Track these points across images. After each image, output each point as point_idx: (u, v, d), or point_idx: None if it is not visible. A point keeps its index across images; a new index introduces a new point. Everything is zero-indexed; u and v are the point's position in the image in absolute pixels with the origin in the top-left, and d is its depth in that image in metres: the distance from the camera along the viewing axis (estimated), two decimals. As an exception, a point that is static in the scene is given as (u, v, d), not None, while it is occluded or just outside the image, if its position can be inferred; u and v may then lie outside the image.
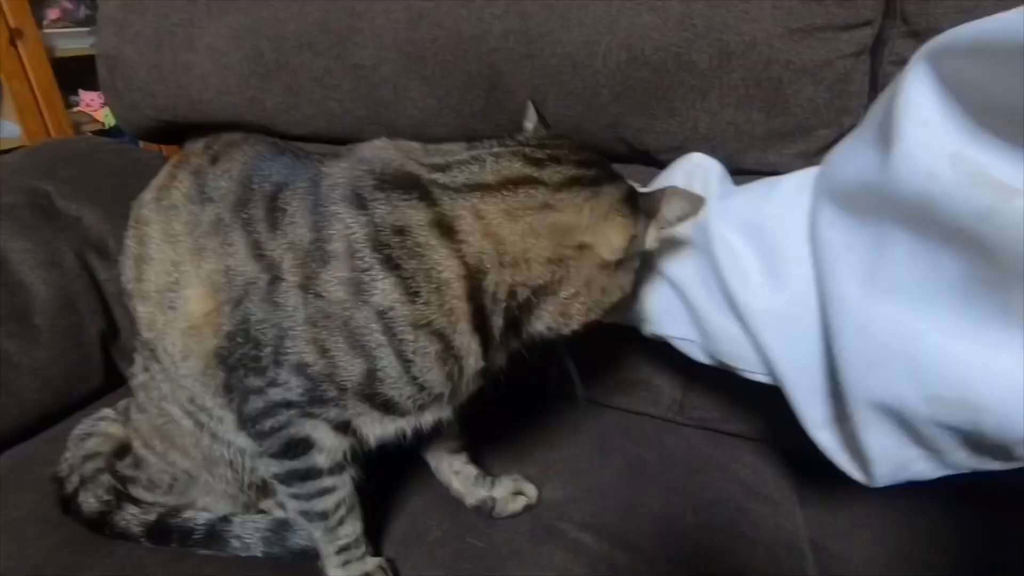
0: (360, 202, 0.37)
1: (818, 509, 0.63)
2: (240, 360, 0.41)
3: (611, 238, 0.41)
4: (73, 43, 1.75)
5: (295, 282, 0.38)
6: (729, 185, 0.56)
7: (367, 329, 0.37)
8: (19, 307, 0.67)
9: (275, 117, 0.78)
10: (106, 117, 1.83)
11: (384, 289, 0.36)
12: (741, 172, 0.68)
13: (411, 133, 0.74)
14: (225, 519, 0.52)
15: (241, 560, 0.51)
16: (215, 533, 0.51)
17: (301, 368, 0.39)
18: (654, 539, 0.56)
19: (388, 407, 0.41)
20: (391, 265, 0.36)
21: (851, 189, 0.43)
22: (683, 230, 0.51)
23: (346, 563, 0.49)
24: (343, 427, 0.42)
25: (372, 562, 0.50)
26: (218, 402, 0.45)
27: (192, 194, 0.43)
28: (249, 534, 0.51)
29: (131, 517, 0.52)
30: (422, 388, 0.40)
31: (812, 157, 0.66)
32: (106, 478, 0.54)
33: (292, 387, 0.40)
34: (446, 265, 0.37)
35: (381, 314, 0.37)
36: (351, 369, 0.39)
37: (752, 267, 0.49)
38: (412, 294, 0.36)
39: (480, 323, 0.39)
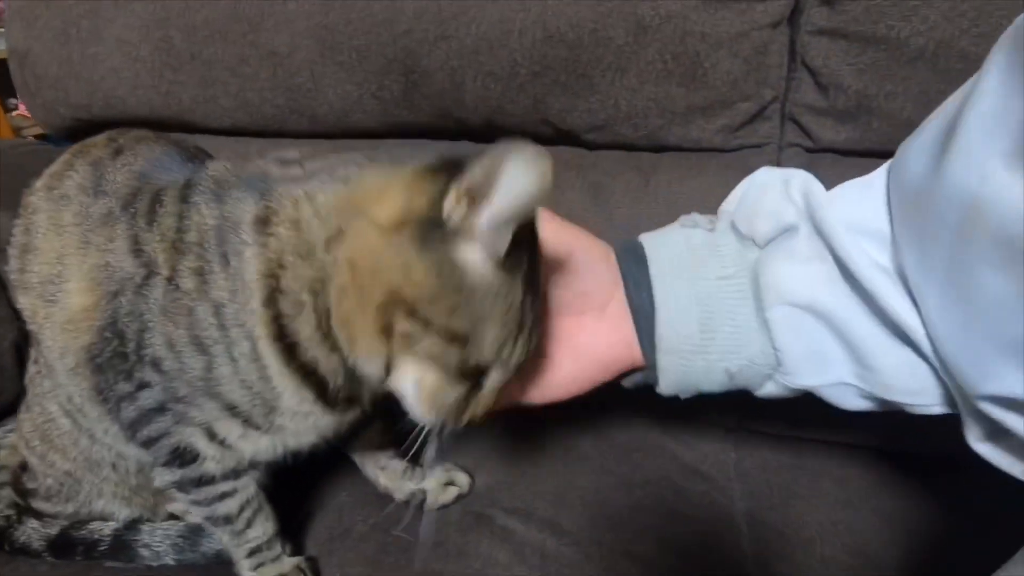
0: (219, 196, 0.36)
1: (755, 483, 0.63)
2: (109, 361, 0.39)
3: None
4: (4, 44, 1.68)
5: (164, 275, 0.37)
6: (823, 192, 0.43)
7: (206, 323, 0.36)
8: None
9: (193, 110, 0.75)
10: (45, 122, 1.76)
11: (219, 284, 0.35)
12: (665, 149, 0.68)
13: (332, 122, 0.73)
14: (133, 528, 0.50)
15: (153, 570, 0.49)
16: (122, 543, 0.49)
17: (156, 364, 0.38)
18: (585, 522, 0.55)
19: (238, 413, 0.40)
20: (224, 261, 0.35)
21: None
22: (804, 248, 0.40)
23: (259, 565, 0.47)
24: (211, 435, 0.41)
25: (288, 562, 0.48)
26: (96, 409, 0.43)
27: (87, 185, 0.41)
28: (159, 542, 0.49)
29: (32, 531, 0.50)
30: (250, 391, 0.38)
31: (735, 131, 0.66)
32: (7, 492, 0.51)
33: (155, 384, 0.39)
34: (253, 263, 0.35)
35: (217, 308, 0.36)
36: (194, 365, 0.37)
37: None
38: (233, 292, 0.35)
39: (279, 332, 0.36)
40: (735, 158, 0.66)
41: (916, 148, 0.36)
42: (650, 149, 0.68)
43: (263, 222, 0.34)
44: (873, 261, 0.38)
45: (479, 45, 0.63)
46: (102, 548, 0.49)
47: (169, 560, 0.49)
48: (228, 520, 0.45)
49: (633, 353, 0.42)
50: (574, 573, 0.50)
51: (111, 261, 0.38)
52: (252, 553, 0.47)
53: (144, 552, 0.49)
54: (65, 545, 0.49)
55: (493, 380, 0.37)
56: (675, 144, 0.67)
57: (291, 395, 0.38)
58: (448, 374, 0.34)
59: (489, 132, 0.70)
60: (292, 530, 0.51)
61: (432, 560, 0.50)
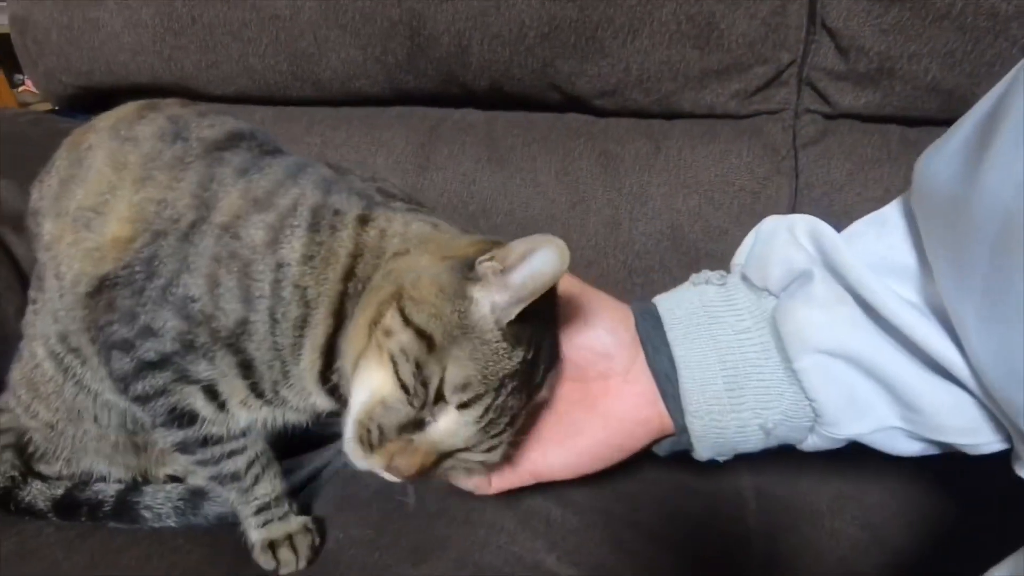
0: (327, 187, 0.41)
1: (763, 457, 0.62)
2: (120, 295, 0.39)
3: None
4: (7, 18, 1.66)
5: (220, 222, 0.39)
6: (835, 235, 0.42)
7: (261, 278, 0.38)
8: (-76, 284, 0.63)
9: (195, 76, 0.74)
10: (53, 98, 1.75)
11: (294, 244, 0.39)
12: (677, 115, 0.66)
13: (336, 88, 0.71)
14: (136, 489, 0.50)
15: (155, 531, 0.49)
16: (125, 505, 0.49)
17: (185, 303, 0.38)
18: (591, 492, 0.54)
19: (250, 374, 0.40)
20: (313, 230, 0.39)
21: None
22: (821, 293, 0.39)
23: (266, 523, 0.47)
24: (213, 395, 0.41)
25: (296, 521, 0.48)
26: (90, 347, 0.43)
27: (164, 133, 0.43)
28: (160, 504, 0.49)
29: (37, 492, 0.50)
30: (278, 355, 0.40)
31: (750, 96, 0.64)
32: (9, 455, 0.51)
33: (167, 330, 0.39)
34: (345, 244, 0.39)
35: (279, 267, 0.38)
36: (229, 314, 0.38)
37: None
38: (308, 257, 0.39)
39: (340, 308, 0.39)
40: (749, 125, 0.64)
41: (947, 154, 0.34)
42: (661, 115, 0.66)
43: (363, 221, 0.40)
44: (902, 299, 0.37)
45: (486, 6, 0.61)
46: (106, 509, 0.49)
47: (171, 523, 0.49)
48: (235, 477, 0.45)
49: (661, 415, 0.41)
50: (579, 540, 0.50)
51: (168, 199, 0.40)
52: (259, 511, 0.46)
53: (146, 514, 0.49)
54: (70, 506, 0.49)
55: (439, 428, 0.36)
56: (687, 110, 0.65)
57: (309, 370, 0.40)
58: (404, 380, 0.35)
59: (496, 98, 0.69)
60: (301, 493, 0.51)
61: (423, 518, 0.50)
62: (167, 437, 0.43)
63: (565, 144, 0.66)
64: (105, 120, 0.46)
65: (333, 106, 0.73)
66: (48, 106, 1.74)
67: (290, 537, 0.47)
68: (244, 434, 0.44)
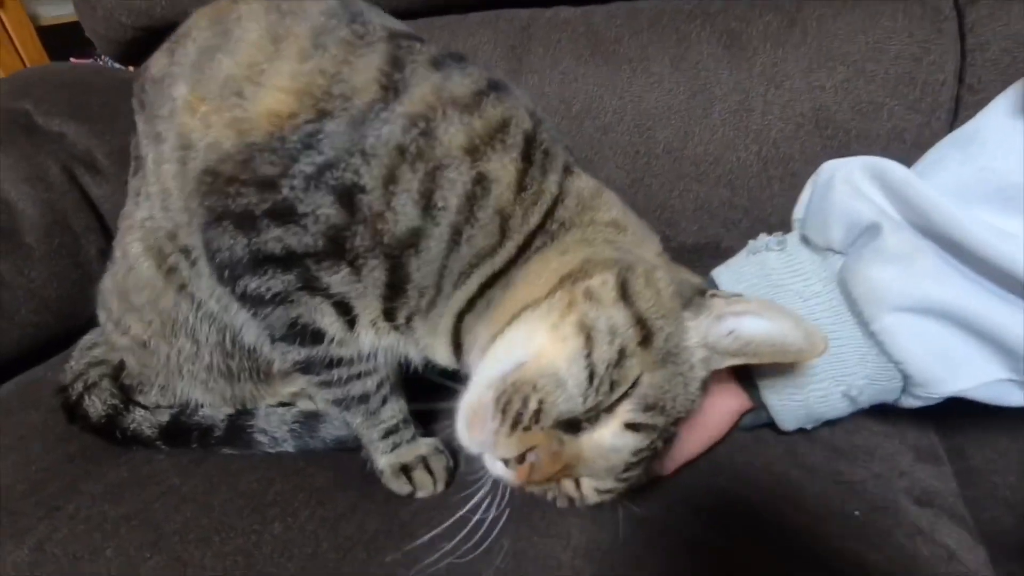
0: (536, 119, 0.37)
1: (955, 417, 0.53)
2: (257, 164, 0.34)
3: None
4: (56, 10, 1.67)
5: (407, 112, 0.33)
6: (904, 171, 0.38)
7: (453, 186, 0.33)
8: (5, 225, 0.61)
9: None
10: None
11: (505, 164, 0.34)
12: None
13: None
14: (248, 413, 0.46)
15: (271, 456, 0.44)
16: (237, 429, 0.45)
17: (351, 192, 0.33)
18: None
19: (394, 293, 0.35)
20: (526, 160, 0.35)
21: None
22: (894, 245, 0.35)
23: (395, 447, 0.42)
24: (345, 309, 0.36)
25: (425, 443, 0.42)
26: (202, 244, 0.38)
27: (335, 12, 0.38)
28: (275, 427, 0.44)
29: (142, 419, 0.46)
30: (438, 282, 0.35)
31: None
32: (108, 383, 0.48)
33: (317, 218, 0.33)
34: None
35: (481, 180, 0.33)
36: (401, 218, 0.33)
37: None
38: (521, 186, 0.34)
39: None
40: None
41: None
42: (793, -17, 0.58)
43: (568, 171, 0.37)
44: (1000, 231, 0.32)
45: None
46: (217, 434, 0.45)
47: (288, 447, 0.44)
48: (363, 400, 0.40)
49: (738, 395, 0.40)
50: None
51: (344, 73, 0.34)
52: (387, 434, 0.41)
53: (260, 438, 0.44)
54: (178, 432, 0.45)
55: (594, 441, 0.32)
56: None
57: (454, 309, 0.36)
58: (595, 364, 0.30)
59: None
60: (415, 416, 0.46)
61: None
62: (288, 355, 0.38)
63: (679, 28, 0.58)
64: None
65: (411, 17, 0.67)
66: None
67: (423, 459, 0.42)
68: (371, 356, 0.39)
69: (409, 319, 0.37)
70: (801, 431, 0.43)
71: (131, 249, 0.42)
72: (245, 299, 0.37)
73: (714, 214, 0.58)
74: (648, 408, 0.31)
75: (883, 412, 0.45)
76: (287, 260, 0.34)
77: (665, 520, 0.37)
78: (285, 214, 0.33)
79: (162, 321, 0.43)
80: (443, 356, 0.38)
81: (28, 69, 1.21)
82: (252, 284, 0.35)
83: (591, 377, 0.30)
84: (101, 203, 0.69)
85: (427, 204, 0.33)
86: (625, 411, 0.31)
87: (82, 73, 0.83)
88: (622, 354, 0.30)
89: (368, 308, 0.36)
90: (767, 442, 0.44)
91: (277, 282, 0.35)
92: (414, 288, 0.35)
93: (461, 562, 0.34)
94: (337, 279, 0.34)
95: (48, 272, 0.62)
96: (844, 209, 0.37)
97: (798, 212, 0.42)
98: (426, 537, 0.35)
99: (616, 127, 0.59)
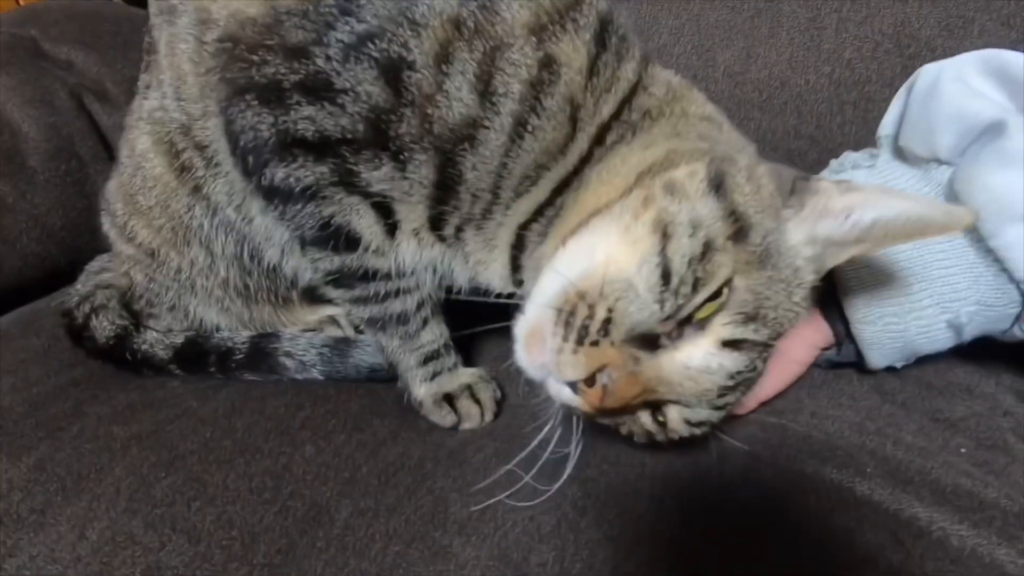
0: (611, 3, 0.33)
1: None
2: (287, 29, 0.29)
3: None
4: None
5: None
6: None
7: (513, 71, 0.28)
8: (6, 146, 0.57)
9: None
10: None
11: (577, 46, 0.29)
12: None
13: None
14: (272, 335, 0.41)
15: (297, 383, 0.40)
16: (261, 352, 0.40)
17: (398, 66, 0.28)
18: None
19: (444, 198, 0.31)
20: (600, 44, 0.31)
21: None
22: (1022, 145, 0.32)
23: (435, 375, 0.37)
24: (386, 212, 0.32)
25: (467, 373, 0.38)
26: (222, 139, 0.33)
27: None
28: (303, 351, 0.40)
29: (155, 340, 0.41)
30: (496, 185, 0.31)
31: None
32: (116, 304, 0.43)
33: (357, 96, 0.28)
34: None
35: (547, 63, 0.29)
36: (455, 104, 0.28)
37: None
38: (593, 72, 0.30)
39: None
40: None
41: None
42: None
43: (646, 62, 0.33)
44: None
45: None
46: (238, 358, 0.40)
47: (316, 373, 0.40)
48: (402, 320, 0.35)
49: (823, 330, 0.37)
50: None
51: None
52: (427, 360, 0.37)
53: (287, 362, 0.40)
54: (195, 355, 0.41)
55: (678, 361, 0.27)
56: None
57: (514, 220, 0.32)
58: (671, 261, 0.26)
59: None
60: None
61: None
62: (319, 262, 0.34)
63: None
64: None
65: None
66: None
67: (469, 388, 0.37)
68: (412, 272, 0.34)
69: (459, 230, 0.32)
70: (887, 370, 0.39)
71: (138, 144, 0.38)
72: (272, 194, 0.32)
73: (777, 145, 0.53)
74: (749, 319, 0.27)
75: (972, 354, 0.41)
76: (320, 147, 0.30)
77: (751, 451, 0.32)
78: (319, 89, 0.29)
79: (173, 227, 0.38)
80: (498, 278, 0.34)
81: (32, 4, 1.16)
82: (279, 174, 0.31)
83: (666, 276, 0.26)
84: (111, 133, 0.64)
85: (485, 89, 0.28)
86: (721, 324, 0.27)
87: (92, 5, 0.78)
88: (708, 247, 0.26)
89: (412, 213, 0.32)
90: (849, 379, 0.40)
91: (308, 173, 0.30)
92: (467, 191, 0.31)
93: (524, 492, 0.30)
94: (378, 175, 0.30)
95: (52, 198, 0.58)
96: (956, 111, 0.33)
97: (885, 128, 0.38)
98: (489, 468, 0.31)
99: (672, 48, 0.54)
